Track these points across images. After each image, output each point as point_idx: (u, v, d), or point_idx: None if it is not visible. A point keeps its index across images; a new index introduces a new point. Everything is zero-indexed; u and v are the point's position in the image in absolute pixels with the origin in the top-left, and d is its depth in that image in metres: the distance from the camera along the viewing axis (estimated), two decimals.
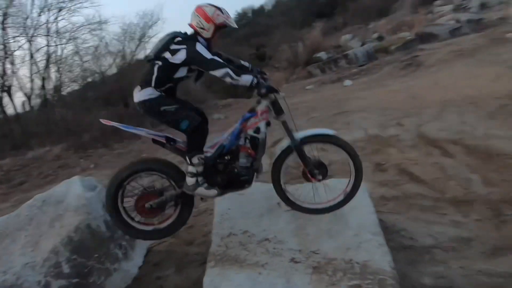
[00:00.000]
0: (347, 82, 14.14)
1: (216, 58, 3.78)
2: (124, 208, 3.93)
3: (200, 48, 3.76)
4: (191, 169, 3.86)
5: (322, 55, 20.49)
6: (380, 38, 23.09)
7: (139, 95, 3.80)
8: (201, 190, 3.88)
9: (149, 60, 3.88)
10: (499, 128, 6.29)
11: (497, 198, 4.31)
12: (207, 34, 3.92)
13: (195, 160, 3.81)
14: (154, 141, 3.97)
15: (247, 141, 3.88)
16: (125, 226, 3.94)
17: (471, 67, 11.16)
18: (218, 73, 3.69)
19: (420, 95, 9.47)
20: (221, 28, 3.96)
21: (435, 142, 6.17)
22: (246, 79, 3.68)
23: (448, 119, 7.21)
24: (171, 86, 3.93)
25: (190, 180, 3.87)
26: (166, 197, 3.95)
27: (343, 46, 23.27)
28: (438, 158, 5.51)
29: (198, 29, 3.94)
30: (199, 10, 4.00)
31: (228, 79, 3.72)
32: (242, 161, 3.88)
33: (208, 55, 3.75)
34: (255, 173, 3.92)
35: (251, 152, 3.87)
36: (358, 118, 8.22)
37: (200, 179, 3.88)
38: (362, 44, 21.41)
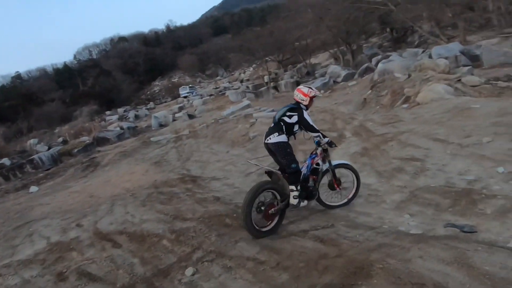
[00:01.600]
0: (33, 188, 12.78)
1: (314, 124, 5.23)
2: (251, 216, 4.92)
3: (305, 114, 5.19)
4: (294, 193, 5.13)
5: (5, 161, 18.10)
6: (64, 142, 22.54)
7: (276, 138, 5.12)
8: (302, 204, 5.27)
9: (277, 122, 5.25)
10: (149, 213, 6.83)
11: (151, 274, 4.45)
12: (305, 103, 5.31)
13: (298, 187, 5.15)
14: (269, 172, 5.37)
15: (312, 171, 5.45)
16: (253, 229, 4.91)
17: (131, 164, 12.21)
18: (313, 134, 5.26)
19: (96, 193, 9.41)
20: (313, 97, 5.37)
21: (107, 236, 6.02)
22: (326, 140, 5.30)
23: (116, 212, 7.28)
24: (291, 136, 5.28)
25: (294, 200, 5.13)
26: (280, 206, 5.11)
27: (29, 150, 21.43)
28: (110, 251, 5.32)
29: (299, 100, 5.32)
30: (299, 90, 5.44)
31: (317, 138, 5.29)
32: (311, 183, 5.41)
33: (310, 120, 5.19)
34: (317, 190, 5.43)
35: (315, 178, 5.45)
36: (41, 227, 7.31)
37: (299, 199, 5.19)
38: (49, 148, 20.26)
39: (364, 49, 33.41)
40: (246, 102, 17.11)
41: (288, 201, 5.16)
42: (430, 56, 16.58)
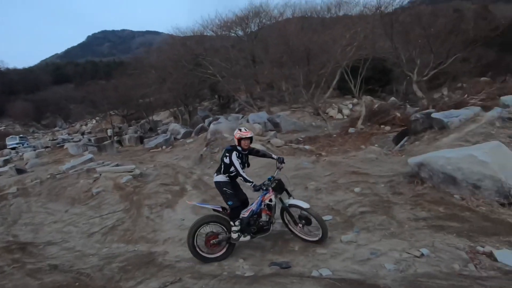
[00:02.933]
0: None
1: (239, 168, 5.07)
2: (197, 244, 5.22)
3: (233, 157, 5.14)
4: (234, 228, 5.19)
5: None
6: None
7: (216, 178, 5.38)
8: (241, 239, 5.21)
9: (220, 162, 5.43)
10: None
11: None
12: (236, 143, 5.28)
13: (236, 223, 5.21)
14: (214, 210, 5.45)
15: (265, 206, 5.26)
16: (198, 255, 5.21)
17: None
18: (239, 175, 5.10)
19: None
20: (241, 139, 5.25)
21: None
22: (248, 184, 5.01)
23: None
24: (230, 175, 5.33)
25: (234, 235, 5.19)
26: (222, 238, 5.24)
27: None
28: None
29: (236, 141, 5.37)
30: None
31: (242, 180, 5.05)
32: (264, 218, 5.26)
33: (236, 164, 5.09)
34: (271, 224, 5.26)
35: (269, 213, 5.26)
36: None
37: (239, 233, 5.21)
38: None
39: (198, 111, 34.71)
40: (88, 155, 14.71)
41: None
42: (248, 121, 18.35)
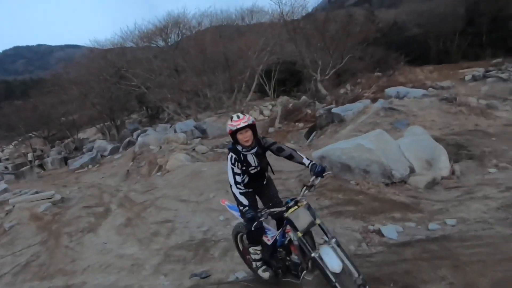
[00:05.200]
0: None
1: (232, 179, 3.36)
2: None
3: (228, 165, 3.40)
4: (253, 255, 3.64)
5: None
6: None
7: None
8: (259, 272, 3.64)
9: None
10: None
11: None
12: (234, 141, 3.45)
13: (251, 250, 3.61)
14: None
15: (291, 242, 3.19)
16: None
17: None
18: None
19: None
20: (235, 133, 3.34)
21: None
22: (239, 208, 3.30)
23: None
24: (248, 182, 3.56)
25: (253, 263, 3.70)
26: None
27: None
28: None
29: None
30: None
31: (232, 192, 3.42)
32: (295, 259, 3.37)
33: (230, 174, 3.39)
34: (303, 272, 3.11)
35: (299, 254, 3.16)
36: None
37: (258, 263, 3.64)
38: None
39: (127, 124, 32.85)
40: (2, 185, 12.94)
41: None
42: (175, 131, 17.86)
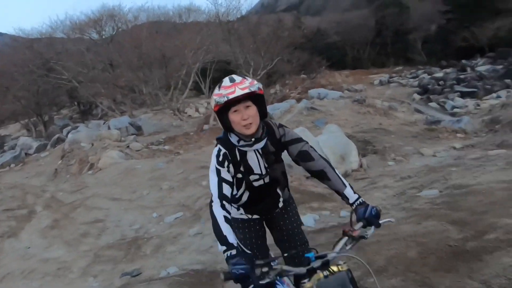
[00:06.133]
0: None
1: (214, 194, 1.65)
2: None
3: (212, 159, 1.73)
4: None
5: None
6: None
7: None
8: None
9: None
10: None
11: None
12: (222, 126, 1.72)
13: None
14: None
15: None
16: None
17: None
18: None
19: None
20: (226, 110, 1.63)
21: None
22: (219, 248, 1.55)
23: None
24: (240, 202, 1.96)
25: None
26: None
27: None
28: None
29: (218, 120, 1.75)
30: None
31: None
32: None
33: (213, 181, 1.69)
34: None
35: None
36: None
37: None
38: None
39: (56, 120, 29.85)
40: None
41: None
42: (109, 127, 16.73)
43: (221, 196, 1.62)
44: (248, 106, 1.60)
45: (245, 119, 1.59)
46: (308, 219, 4.80)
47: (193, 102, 24.33)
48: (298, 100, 12.18)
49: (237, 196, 1.82)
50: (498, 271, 2.37)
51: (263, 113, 1.66)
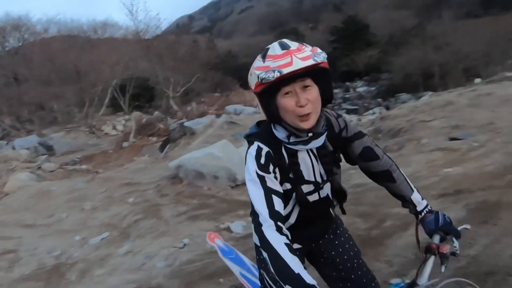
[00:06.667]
0: None
1: (262, 198, 0.99)
2: None
3: (250, 163, 1.07)
4: None
5: None
6: None
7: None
8: None
9: None
10: None
11: None
12: (263, 115, 1.07)
13: None
14: None
15: None
16: None
17: None
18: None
19: None
20: (274, 91, 0.97)
21: None
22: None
23: None
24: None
25: None
26: None
27: None
28: None
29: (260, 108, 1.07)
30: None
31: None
32: None
33: (255, 184, 1.03)
34: None
35: None
36: None
37: None
38: None
39: None
40: None
41: None
42: (14, 148, 14.21)
43: (274, 215, 0.98)
44: (306, 86, 0.98)
45: (303, 105, 0.97)
46: (237, 226, 4.80)
47: (110, 120, 22.35)
48: (217, 115, 12.22)
49: (288, 213, 1.18)
50: (397, 252, 2.72)
51: (326, 98, 1.03)
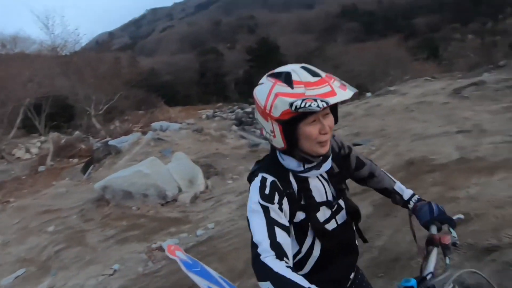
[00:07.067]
0: None
1: (264, 230, 0.81)
2: None
3: (254, 195, 0.88)
4: None
5: None
6: None
7: None
8: None
9: None
10: None
11: None
12: (278, 143, 0.88)
13: None
14: None
15: None
16: None
17: None
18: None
19: None
20: (297, 121, 0.82)
21: None
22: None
23: None
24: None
25: None
26: None
27: None
28: None
29: (269, 140, 0.90)
30: (254, 96, 0.91)
31: None
32: None
33: (257, 217, 0.84)
34: None
35: None
36: None
37: None
38: None
39: None
40: None
41: None
42: None
43: (276, 247, 0.83)
44: (326, 114, 0.92)
45: (325, 133, 0.91)
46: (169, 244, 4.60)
47: (23, 142, 19.08)
48: (143, 132, 11.51)
49: (301, 256, 0.99)
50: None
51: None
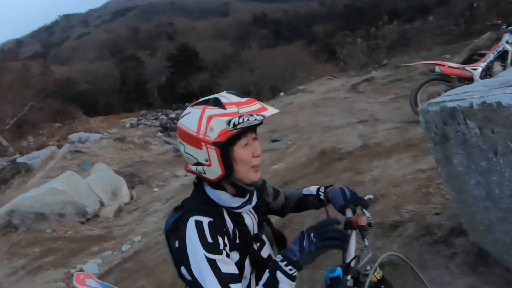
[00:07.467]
0: None
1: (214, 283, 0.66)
2: None
3: (193, 241, 0.71)
4: None
5: None
6: None
7: None
8: None
9: None
10: None
11: None
12: (214, 172, 0.76)
13: None
14: None
15: None
16: None
17: None
18: None
19: None
20: (233, 141, 0.75)
21: None
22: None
23: None
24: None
25: None
26: None
27: None
28: None
29: (198, 173, 0.80)
30: (179, 128, 0.81)
31: None
32: None
33: (204, 266, 0.68)
34: None
35: None
36: None
37: None
38: None
39: None
40: None
41: None
42: None
43: None
44: (255, 139, 0.85)
45: (258, 155, 0.84)
46: (90, 267, 3.89)
47: None
48: (59, 146, 9.84)
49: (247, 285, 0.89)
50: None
51: None
